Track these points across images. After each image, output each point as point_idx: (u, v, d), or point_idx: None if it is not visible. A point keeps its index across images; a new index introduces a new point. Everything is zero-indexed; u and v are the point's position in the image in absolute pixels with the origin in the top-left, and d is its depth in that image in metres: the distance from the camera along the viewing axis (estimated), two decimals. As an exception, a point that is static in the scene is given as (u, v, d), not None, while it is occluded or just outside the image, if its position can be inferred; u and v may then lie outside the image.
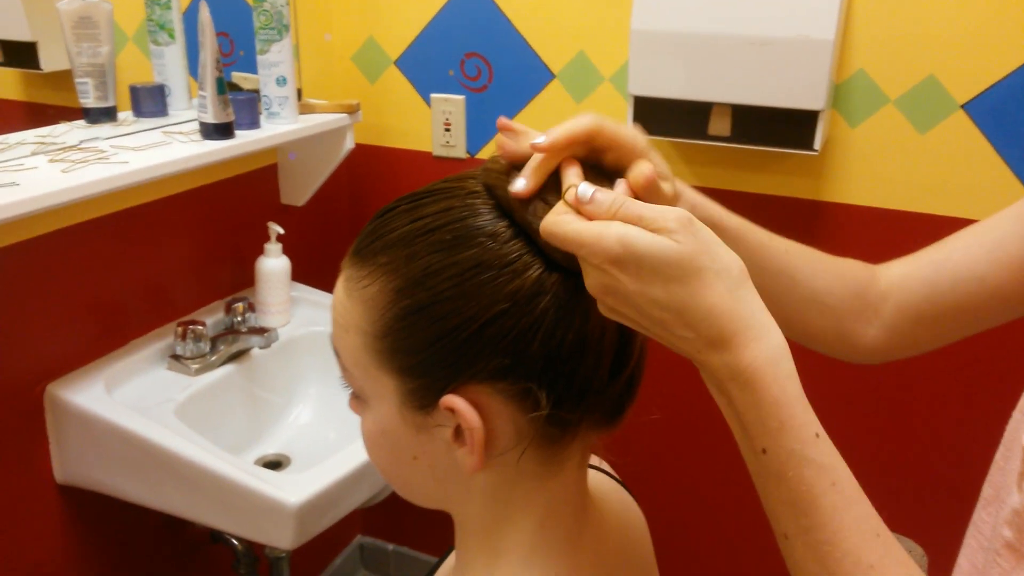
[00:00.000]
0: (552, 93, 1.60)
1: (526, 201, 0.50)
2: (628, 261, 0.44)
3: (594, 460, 0.70)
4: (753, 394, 0.45)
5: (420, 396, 0.51)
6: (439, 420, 0.51)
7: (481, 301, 0.48)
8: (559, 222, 0.46)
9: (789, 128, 1.36)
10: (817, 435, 0.46)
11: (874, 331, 0.75)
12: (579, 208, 0.47)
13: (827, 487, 0.46)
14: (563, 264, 0.48)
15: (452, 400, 0.49)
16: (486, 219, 0.49)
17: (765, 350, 0.45)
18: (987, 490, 0.73)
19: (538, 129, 0.53)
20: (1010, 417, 0.71)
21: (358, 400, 0.55)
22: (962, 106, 1.34)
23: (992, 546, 0.67)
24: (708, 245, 0.45)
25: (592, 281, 0.46)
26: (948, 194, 1.39)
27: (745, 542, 1.68)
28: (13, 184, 1.06)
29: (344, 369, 0.55)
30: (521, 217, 0.49)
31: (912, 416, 1.51)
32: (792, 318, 0.73)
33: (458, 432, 0.50)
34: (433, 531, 1.99)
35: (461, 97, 1.68)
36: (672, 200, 0.60)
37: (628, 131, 0.55)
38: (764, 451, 0.46)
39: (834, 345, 0.76)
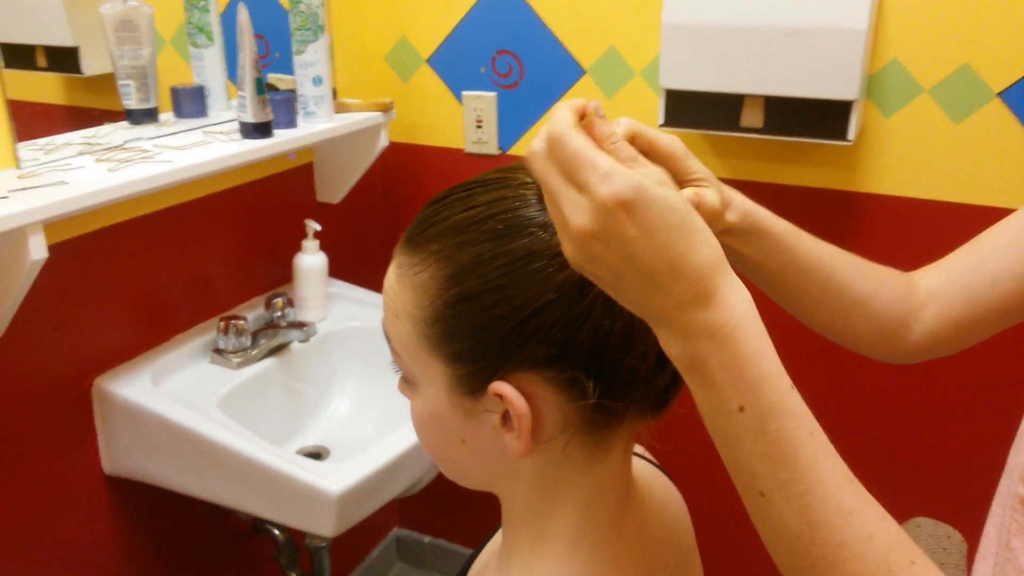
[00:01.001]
0: (583, 88, 1.61)
1: None
2: (639, 204, 0.42)
3: (636, 447, 0.71)
4: (733, 349, 0.44)
5: (469, 382, 0.52)
6: (487, 405, 0.52)
7: (531, 290, 0.48)
8: (575, 138, 0.43)
9: (822, 119, 1.36)
10: (791, 387, 0.45)
11: (916, 336, 0.75)
12: (591, 127, 0.45)
13: (806, 436, 0.45)
14: None
15: (500, 387, 0.50)
16: (537, 209, 0.50)
17: (742, 305, 0.44)
18: (1011, 459, 0.73)
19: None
20: None
21: (408, 384, 0.57)
22: (998, 94, 1.33)
23: (1011, 504, 0.68)
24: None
25: (583, 220, 0.42)
26: (983, 183, 1.38)
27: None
28: (62, 183, 1.10)
29: (395, 353, 0.56)
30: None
31: (949, 403, 1.50)
32: (837, 321, 0.73)
33: (506, 417, 0.51)
34: (469, 524, 2.01)
35: (492, 94, 1.69)
36: (721, 209, 0.61)
37: (665, 137, 0.55)
38: (741, 409, 0.44)
39: (876, 347, 0.76)
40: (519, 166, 0.54)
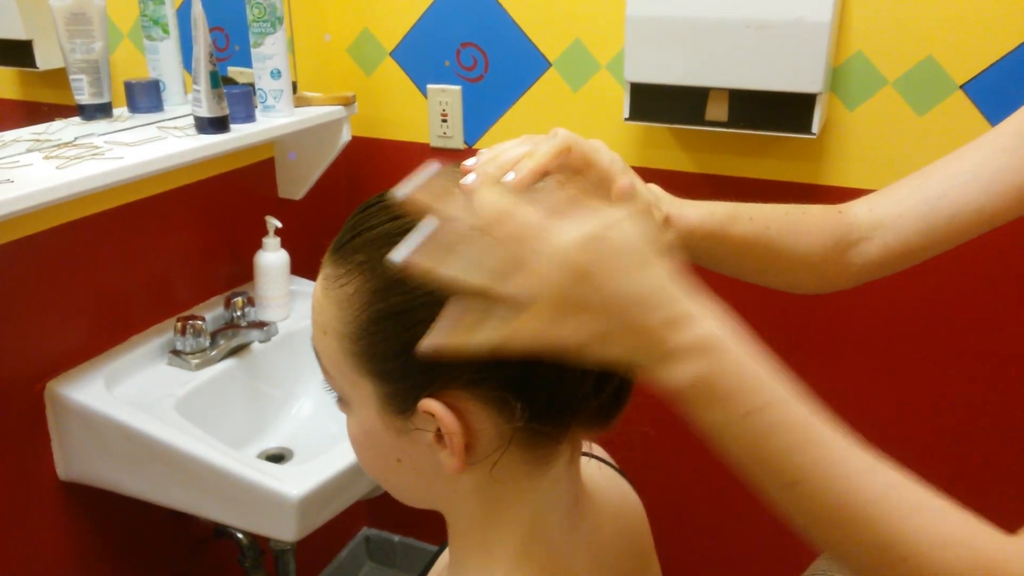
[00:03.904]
0: (549, 81, 1.59)
1: None
2: (603, 257, 0.42)
3: (588, 447, 0.70)
4: (727, 356, 0.44)
5: (398, 400, 0.50)
6: (418, 424, 0.50)
7: None
8: (505, 218, 0.42)
9: (787, 112, 1.35)
10: (780, 372, 0.46)
11: (855, 267, 0.78)
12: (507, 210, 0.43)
13: (811, 416, 0.46)
14: None
15: (430, 404, 0.48)
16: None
17: (710, 315, 0.45)
18: None
19: (527, 123, 0.50)
20: None
21: (342, 402, 0.55)
22: (961, 87, 1.33)
23: None
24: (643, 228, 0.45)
25: (548, 304, 0.42)
26: (948, 176, 1.38)
27: (746, 527, 1.68)
28: (8, 181, 1.06)
29: (324, 371, 0.54)
30: None
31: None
32: (776, 281, 0.78)
33: (439, 435, 0.49)
34: (439, 522, 1.98)
35: (458, 87, 1.67)
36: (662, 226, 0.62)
37: (606, 153, 0.54)
38: (749, 414, 0.45)
39: (815, 288, 0.80)
40: (452, 170, 0.52)
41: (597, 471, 0.66)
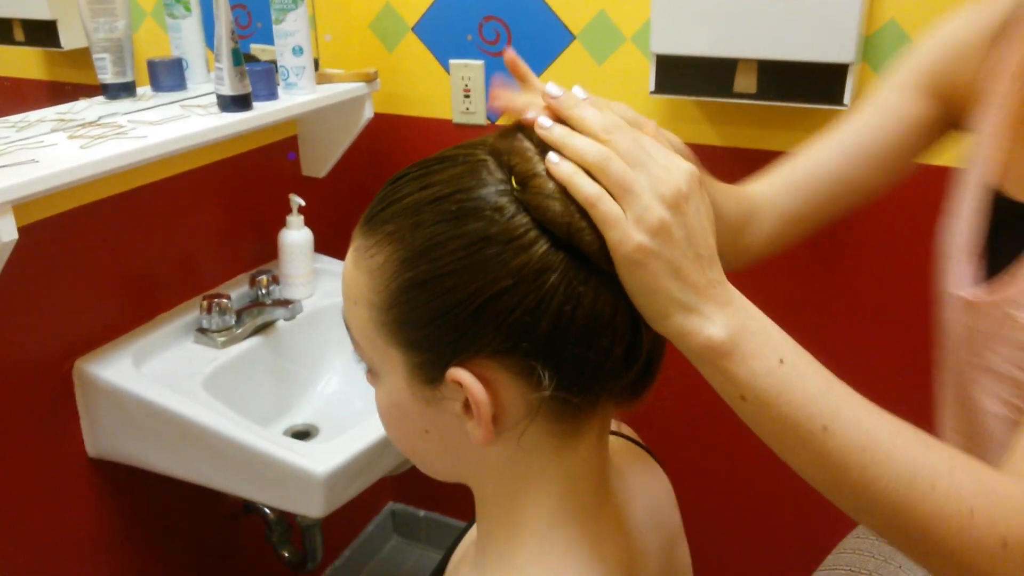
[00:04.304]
0: (572, 55, 1.57)
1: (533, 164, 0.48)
2: (696, 190, 0.47)
3: (616, 426, 0.69)
4: (757, 314, 0.49)
5: (427, 370, 0.49)
6: (447, 393, 0.49)
7: (485, 276, 0.46)
8: (610, 155, 0.47)
9: (817, 83, 1.32)
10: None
11: (760, 240, 0.83)
12: (601, 136, 0.47)
13: (823, 367, 0.50)
14: (567, 239, 0.46)
15: (458, 373, 0.48)
16: (494, 190, 0.47)
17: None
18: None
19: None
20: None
21: (371, 373, 0.55)
22: (998, 55, 1.29)
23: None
24: None
25: (651, 219, 0.45)
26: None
27: (773, 504, 1.67)
28: (33, 161, 1.06)
29: (355, 342, 0.54)
30: (536, 184, 0.47)
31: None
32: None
33: (467, 405, 0.49)
34: (464, 497, 1.98)
35: (480, 62, 1.65)
36: None
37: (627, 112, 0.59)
38: (782, 361, 0.48)
39: (727, 260, 0.82)
40: (480, 141, 0.51)
41: (625, 448, 0.65)
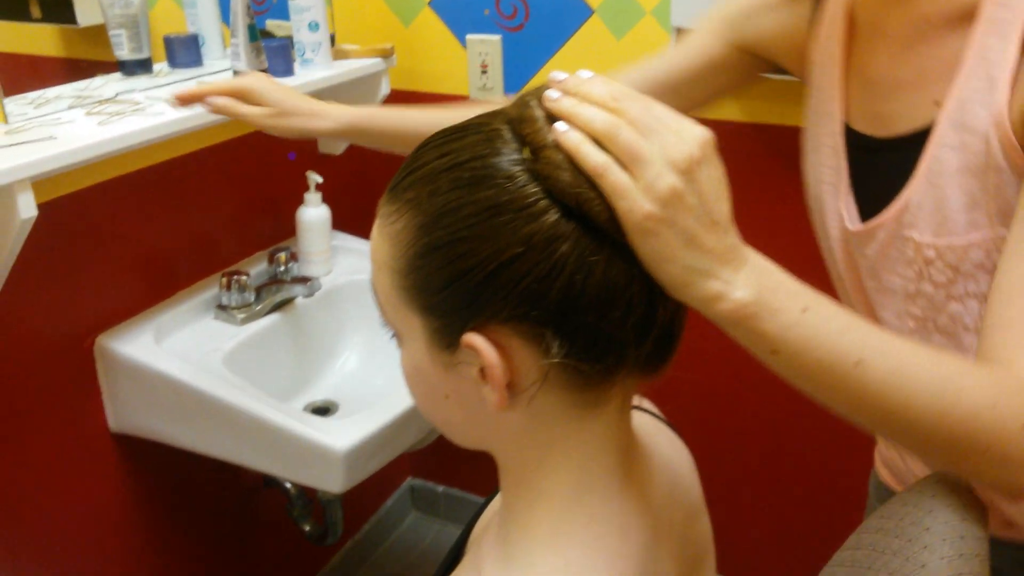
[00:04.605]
0: (591, 29, 1.55)
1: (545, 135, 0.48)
2: (711, 154, 0.47)
3: (643, 402, 0.69)
4: (775, 269, 0.50)
5: (444, 335, 0.50)
6: (464, 358, 0.50)
7: (497, 243, 0.46)
8: (619, 123, 0.46)
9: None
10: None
11: None
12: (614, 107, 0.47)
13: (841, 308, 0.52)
14: (576, 210, 0.47)
15: (472, 338, 0.48)
16: (507, 159, 0.48)
17: None
18: None
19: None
20: None
21: (397, 338, 0.56)
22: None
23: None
24: None
25: (662, 187, 0.45)
26: None
27: (795, 480, 1.67)
28: (51, 138, 1.07)
29: (380, 308, 0.55)
30: (548, 154, 0.47)
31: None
32: None
33: (484, 371, 0.49)
34: (482, 472, 2.00)
35: (497, 37, 1.64)
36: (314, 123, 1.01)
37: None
38: (806, 309, 0.49)
39: None
40: (501, 111, 0.51)
41: (648, 423, 0.65)
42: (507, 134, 0.49)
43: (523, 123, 0.49)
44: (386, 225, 0.52)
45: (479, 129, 0.50)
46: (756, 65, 0.95)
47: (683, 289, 0.48)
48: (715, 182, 0.47)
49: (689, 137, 0.47)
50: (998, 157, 0.66)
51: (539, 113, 0.49)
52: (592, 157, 0.46)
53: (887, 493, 0.98)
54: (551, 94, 0.48)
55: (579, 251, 0.46)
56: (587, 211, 0.46)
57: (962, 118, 0.68)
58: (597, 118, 0.47)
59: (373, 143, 1.07)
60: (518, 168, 0.47)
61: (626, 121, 0.46)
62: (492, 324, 0.48)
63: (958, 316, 0.74)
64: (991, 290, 0.62)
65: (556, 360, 0.48)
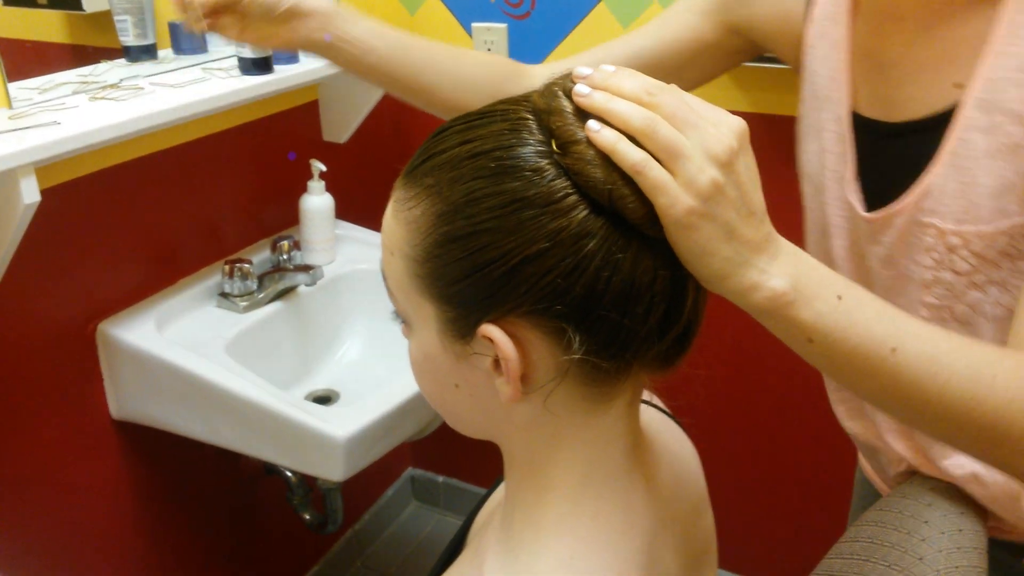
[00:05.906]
0: (598, 17, 1.54)
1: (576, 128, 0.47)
2: (746, 144, 0.46)
3: (649, 396, 0.68)
4: (807, 257, 0.49)
5: (459, 325, 0.49)
6: (478, 349, 0.49)
7: (521, 237, 0.46)
8: (656, 119, 0.45)
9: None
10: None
11: None
12: (644, 101, 0.46)
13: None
14: (608, 207, 0.46)
15: (489, 330, 0.48)
16: (533, 149, 0.47)
17: None
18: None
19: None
20: None
21: (406, 325, 0.55)
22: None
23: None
24: None
25: (703, 182, 0.45)
26: None
27: (798, 476, 1.67)
28: (54, 123, 1.06)
29: (390, 293, 0.54)
30: (577, 151, 0.46)
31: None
32: (444, 108, 0.95)
33: (497, 362, 0.49)
34: (483, 463, 2.01)
35: (503, 25, 1.63)
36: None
37: None
38: (840, 297, 0.49)
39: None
40: (525, 97, 0.50)
41: (655, 418, 0.65)
42: (533, 124, 0.48)
43: (551, 115, 0.48)
44: (402, 210, 0.50)
45: (505, 116, 0.49)
46: (743, 49, 0.92)
47: (721, 281, 0.47)
48: (751, 172, 0.47)
49: (727, 129, 0.46)
50: None
51: (568, 105, 0.48)
52: (630, 155, 0.45)
53: (868, 487, 0.99)
54: (581, 89, 0.47)
55: (607, 248, 0.46)
56: (621, 208, 0.46)
57: (992, 99, 0.66)
58: (635, 115, 0.45)
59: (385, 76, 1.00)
60: (545, 161, 0.46)
61: (662, 115, 0.45)
62: (511, 317, 0.48)
63: (978, 304, 0.72)
64: None
65: (577, 356, 0.48)
